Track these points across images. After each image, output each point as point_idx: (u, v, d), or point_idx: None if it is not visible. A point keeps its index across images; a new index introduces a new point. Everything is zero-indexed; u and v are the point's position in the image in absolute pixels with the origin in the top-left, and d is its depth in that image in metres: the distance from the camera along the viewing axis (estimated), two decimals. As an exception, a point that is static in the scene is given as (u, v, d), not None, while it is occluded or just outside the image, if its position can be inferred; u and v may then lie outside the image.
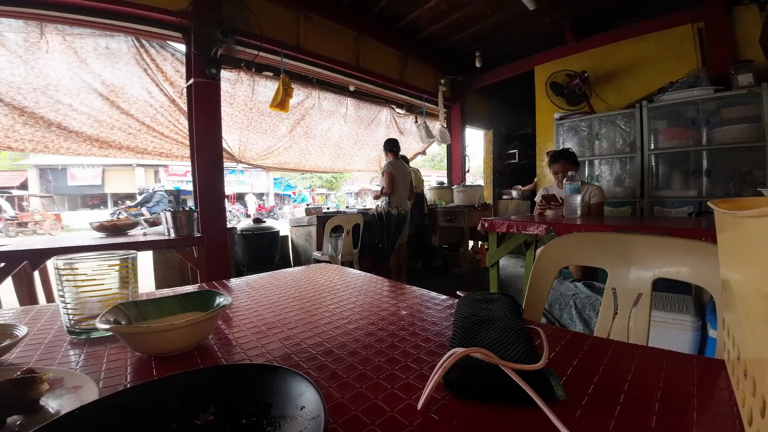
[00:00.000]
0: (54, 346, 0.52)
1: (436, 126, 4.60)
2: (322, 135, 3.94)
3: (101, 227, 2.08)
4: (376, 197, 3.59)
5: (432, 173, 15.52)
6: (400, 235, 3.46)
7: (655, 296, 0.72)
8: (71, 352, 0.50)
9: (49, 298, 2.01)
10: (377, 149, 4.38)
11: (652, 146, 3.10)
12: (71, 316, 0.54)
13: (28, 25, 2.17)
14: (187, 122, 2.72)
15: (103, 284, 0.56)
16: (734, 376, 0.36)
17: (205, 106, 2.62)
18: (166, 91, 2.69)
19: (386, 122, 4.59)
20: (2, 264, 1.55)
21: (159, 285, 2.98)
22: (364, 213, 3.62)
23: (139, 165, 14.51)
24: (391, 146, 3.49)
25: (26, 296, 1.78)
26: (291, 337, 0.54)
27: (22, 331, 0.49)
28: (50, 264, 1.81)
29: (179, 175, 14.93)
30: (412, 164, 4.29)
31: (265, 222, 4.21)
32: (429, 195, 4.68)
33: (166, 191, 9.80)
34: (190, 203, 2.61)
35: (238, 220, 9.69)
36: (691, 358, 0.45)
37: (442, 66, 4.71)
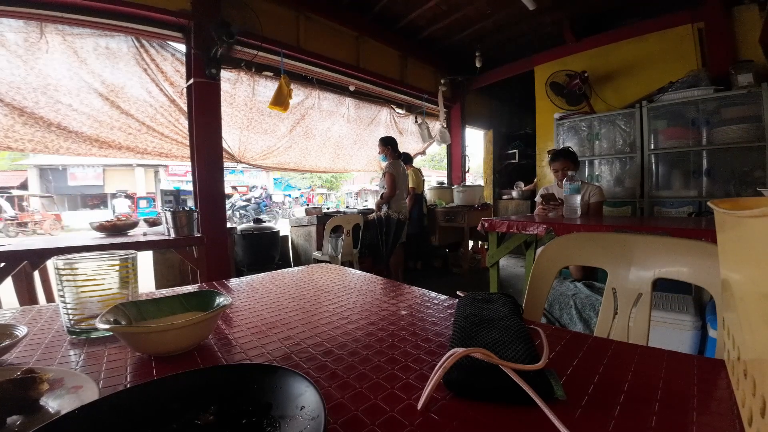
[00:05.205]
0: (54, 346, 0.52)
1: (436, 126, 4.60)
2: (322, 135, 3.94)
3: (101, 227, 2.08)
4: (380, 205, 3.41)
5: (432, 173, 15.50)
6: (398, 240, 3.44)
7: (655, 296, 0.71)
8: (71, 352, 0.50)
9: (49, 298, 2.01)
10: (377, 149, 4.37)
11: (652, 146, 3.09)
12: (71, 316, 0.54)
13: (28, 25, 2.17)
14: (187, 122, 2.71)
15: (103, 284, 0.56)
16: (734, 376, 0.36)
17: (205, 106, 2.62)
18: (166, 91, 2.68)
19: (386, 122, 4.58)
20: (2, 264, 1.55)
21: (159, 285, 2.97)
22: (364, 213, 3.61)
23: (139, 165, 14.50)
24: (393, 145, 3.44)
25: (26, 296, 1.78)
26: (291, 337, 0.54)
27: (22, 331, 0.49)
28: (50, 264, 1.80)
29: (179, 175, 14.92)
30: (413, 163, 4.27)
31: (265, 222, 4.21)
32: (429, 195, 4.67)
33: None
34: (190, 203, 2.60)
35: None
36: (691, 358, 0.45)
37: (442, 66, 4.71)
